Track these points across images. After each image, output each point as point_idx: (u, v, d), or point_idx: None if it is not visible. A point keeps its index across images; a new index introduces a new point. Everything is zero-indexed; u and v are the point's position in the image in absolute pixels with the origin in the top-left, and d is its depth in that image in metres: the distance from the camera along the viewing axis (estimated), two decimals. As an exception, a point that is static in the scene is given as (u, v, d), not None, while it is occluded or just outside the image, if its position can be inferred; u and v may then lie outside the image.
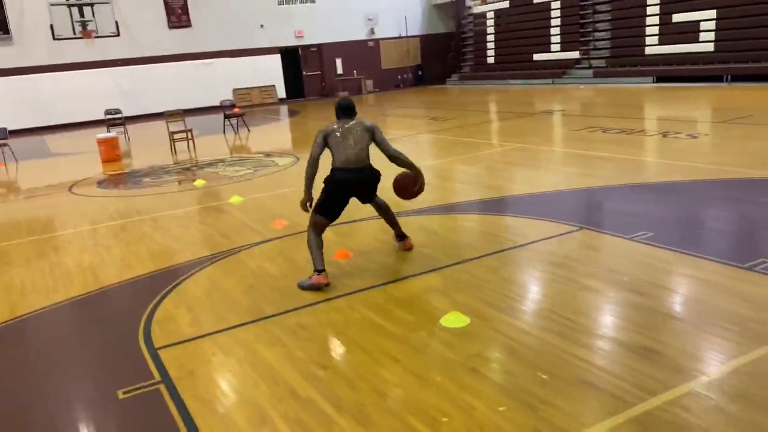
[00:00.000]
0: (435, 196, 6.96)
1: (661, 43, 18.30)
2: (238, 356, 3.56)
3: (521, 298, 4.01)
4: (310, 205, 4.61)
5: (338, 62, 26.23)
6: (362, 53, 26.53)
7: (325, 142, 4.66)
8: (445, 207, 6.50)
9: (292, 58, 25.63)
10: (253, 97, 24.91)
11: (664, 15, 18.28)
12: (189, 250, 5.78)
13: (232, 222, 6.67)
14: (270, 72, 25.06)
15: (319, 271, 4.45)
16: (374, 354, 3.40)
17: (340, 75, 26.30)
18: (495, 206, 6.35)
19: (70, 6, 19.07)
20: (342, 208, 4.74)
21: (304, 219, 6.26)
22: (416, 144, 11.19)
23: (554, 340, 3.37)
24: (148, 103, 22.84)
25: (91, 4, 19.31)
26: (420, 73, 27.88)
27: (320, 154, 4.62)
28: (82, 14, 19.17)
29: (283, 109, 23.32)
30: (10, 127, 19.11)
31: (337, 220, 4.92)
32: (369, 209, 5.79)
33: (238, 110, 15.71)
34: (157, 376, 3.41)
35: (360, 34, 26.53)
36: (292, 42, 25.41)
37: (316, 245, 4.56)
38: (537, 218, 5.69)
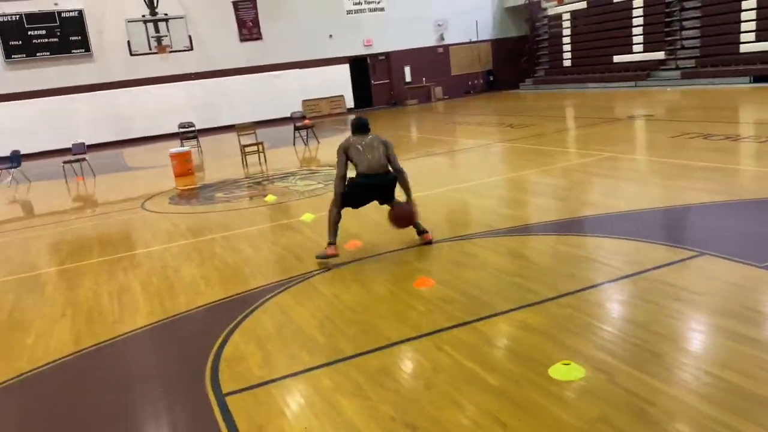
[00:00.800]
0: (518, 213, 6.36)
1: (758, 39, 16.89)
2: (315, 408, 3.12)
3: (645, 343, 3.38)
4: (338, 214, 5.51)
5: (407, 70, 25.98)
6: (431, 60, 26.18)
7: (347, 156, 5.45)
8: (531, 227, 5.87)
9: (360, 67, 25.53)
10: (322, 108, 24.91)
11: (762, 9, 16.87)
12: (260, 273, 5.44)
13: (304, 242, 6.30)
14: (338, 82, 25.02)
15: (330, 243, 5.37)
16: (472, 413, 2.88)
17: (408, 83, 26.01)
18: (590, 226, 5.68)
19: (146, 22, 19.50)
20: (361, 203, 5.67)
21: (381, 239, 5.91)
22: (491, 154, 10.57)
23: (701, 405, 2.74)
24: (221, 116, 23.18)
25: (166, 20, 19.70)
26: (491, 78, 27.32)
27: (346, 170, 5.45)
28: (157, 30, 19.58)
29: (351, 118, 23.16)
30: (91, 142, 20.05)
31: (414, 244, 5.40)
32: (444, 232, 5.32)
33: (308, 122, 15.51)
34: (224, 430, 3.01)
35: (429, 41, 26.19)
36: (360, 51, 25.32)
37: (334, 221, 5.48)
38: (644, 241, 5.01)
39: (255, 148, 12.96)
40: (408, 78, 26.00)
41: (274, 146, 15.24)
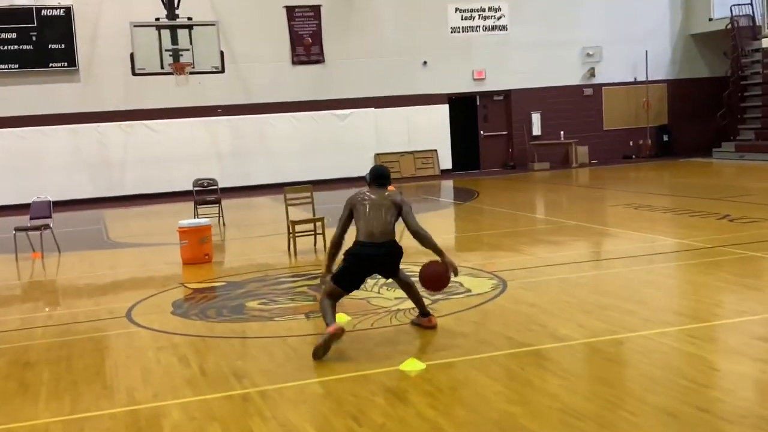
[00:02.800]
0: None
1: None
2: None
3: None
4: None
5: (535, 118, 25.55)
6: (574, 106, 25.73)
7: (351, 212, 6.69)
8: None
9: (464, 110, 25.24)
10: (404, 166, 24.61)
11: None
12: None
13: (411, 420, 4.88)
14: (431, 130, 24.77)
15: (328, 323, 6.33)
16: None
17: (536, 137, 25.53)
18: None
19: (159, 28, 19.08)
20: (361, 282, 6.77)
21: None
22: (721, 268, 9.20)
23: None
24: (256, 171, 23.12)
25: (189, 27, 19.28)
26: (666, 138, 26.53)
27: (346, 230, 6.72)
28: (174, 40, 19.14)
29: (447, 186, 22.80)
30: (63, 196, 19.94)
31: None
32: None
33: (392, 189, 14.51)
34: None
35: (571, 77, 25.84)
36: (466, 87, 25.10)
37: (328, 306, 6.50)
38: None
39: (310, 226, 12.15)
40: (537, 130, 25.55)
41: (336, 222, 14.34)
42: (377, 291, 8.90)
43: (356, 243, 6.59)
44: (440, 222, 15.67)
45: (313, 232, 12.09)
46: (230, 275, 10.59)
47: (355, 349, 6.62)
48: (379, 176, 6.80)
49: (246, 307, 8.57)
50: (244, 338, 7.44)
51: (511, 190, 20.42)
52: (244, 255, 12.36)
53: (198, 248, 11.50)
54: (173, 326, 7.95)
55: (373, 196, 6.67)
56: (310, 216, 12.34)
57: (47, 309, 9.45)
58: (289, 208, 12.53)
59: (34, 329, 8.25)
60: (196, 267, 11.25)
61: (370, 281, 8.95)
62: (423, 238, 6.63)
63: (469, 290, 8.65)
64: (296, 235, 12.04)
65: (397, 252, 6.66)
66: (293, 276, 10.36)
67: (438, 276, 6.71)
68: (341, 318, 7.17)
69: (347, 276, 6.60)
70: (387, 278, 7.03)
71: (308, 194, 12.70)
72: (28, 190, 19.56)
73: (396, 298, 8.34)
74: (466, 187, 21.61)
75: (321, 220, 12.06)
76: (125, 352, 7.16)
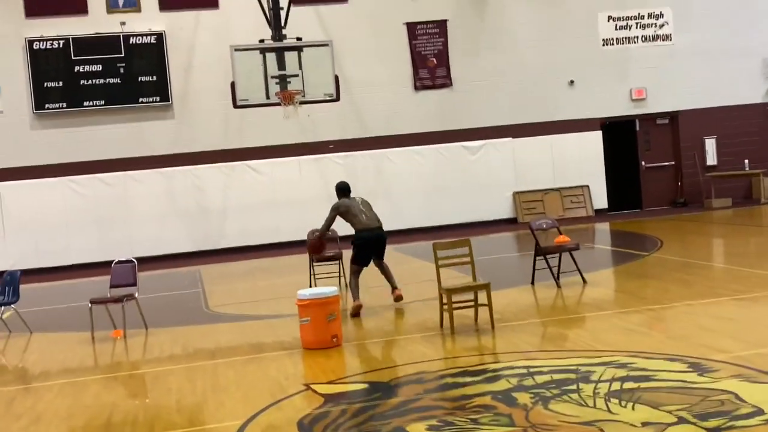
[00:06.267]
0: None
1: None
2: None
3: None
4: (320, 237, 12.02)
5: (709, 144, 24.13)
6: (758, 128, 24.08)
7: (337, 215, 11.33)
8: None
9: (621, 137, 24.06)
10: (550, 206, 23.26)
11: None
12: None
13: None
14: (581, 162, 23.58)
15: (355, 298, 11.15)
16: None
17: (712, 168, 23.87)
18: None
19: (265, 51, 17.67)
20: (370, 258, 11.32)
21: None
22: None
23: None
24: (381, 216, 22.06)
25: (299, 48, 17.76)
26: None
27: (331, 224, 11.60)
28: (282, 64, 17.73)
29: (604, 230, 21.01)
30: (154, 251, 20.62)
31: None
32: None
33: (565, 239, 12.98)
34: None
35: (753, 93, 24.23)
36: (623, 109, 23.78)
37: (355, 285, 11.25)
38: None
39: (470, 297, 10.21)
40: (711, 159, 24.04)
41: (499, 287, 12.41)
42: (605, 407, 6.35)
43: (360, 231, 11.06)
44: (625, 276, 13.63)
45: (473, 303, 10.13)
46: (372, 369, 8.65)
47: None
48: (346, 189, 11.50)
49: (406, 433, 6.15)
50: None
51: (680, 233, 18.94)
52: (381, 333, 10.60)
53: (324, 328, 9.54)
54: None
55: (353, 201, 11.33)
56: (467, 280, 10.73)
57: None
58: (441, 267, 10.50)
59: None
60: (323, 354, 9.45)
61: (586, 389, 6.55)
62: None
63: (759, 409, 5.98)
64: (452, 306, 9.93)
65: (385, 235, 11.30)
66: (460, 371, 8.10)
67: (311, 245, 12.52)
68: None
69: (361, 256, 11.14)
70: (377, 259, 11.29)
71: (466, 250, 10.42)
72: (113, 245, 20.08)
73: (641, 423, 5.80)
74: (632, 230, 19.92)
75: (486, 287, 9.82)
76: None
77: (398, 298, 11.29)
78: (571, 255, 12.78)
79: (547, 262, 12.85)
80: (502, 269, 15.45)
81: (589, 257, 15.63)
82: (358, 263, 11.12)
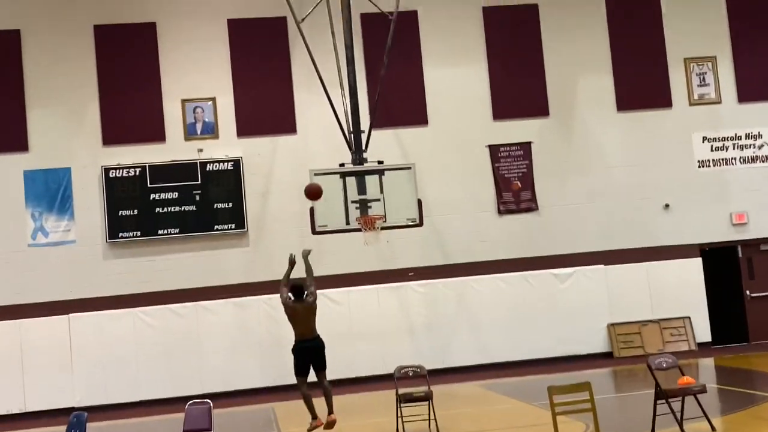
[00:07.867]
0: None
1: None
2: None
3: None
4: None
5: None
6: None
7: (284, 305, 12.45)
8: None
9: (722, 264, 23.07)
10: (648, 339, 22.16)
11: None
12: None
13: None
14: (681, 291, 22.45)
15: (313, 417, 11.70)
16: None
17: None
18: None
19: (344, 175, 17.40)
20: (308, 367, 12.13)
21: None
22: None
23: None
24: (456, 348, 21.66)
25: (381, 171, 17.44)
26: None
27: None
28: (362, 188, 17.48)
29: (708, 367, 19.91)
30: (225, 387, 20.00)
31: None
32: None
33: (690, 381, 11.93)
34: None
35: None
36: (723, 234, 22.86)
37: (306, 398, 11.94)
38: None
39: None
40: None
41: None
42: None
43: (295, 341, 12.31)
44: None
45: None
46: None
47: None
48: (297, 288, 12.47)
49: None
50: None
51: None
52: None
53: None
54: None
55: (297, 304, 12.31)
56: (578, 426, 10.48)
57: None
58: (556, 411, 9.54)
59: None
60: None
61: None
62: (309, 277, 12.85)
63: None
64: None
65: (323, 344, 12.36)
66: None
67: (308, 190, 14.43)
68: None
69: (297, 366, 12.20)
70: (317, 370, 12.15)
71: (586, 395, 9.44)
72: (183, 379, 19.84)
73: None
74: (742, 366, 19.13)
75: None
76: None
77: (331, 424, 11.60)
78: (696, 399, 11.95)
79: (670, 406, 11.92)
80: (611, 413, 14.34)
81: (708, 398, 14.31)
82: (298, 373, 12.06)
